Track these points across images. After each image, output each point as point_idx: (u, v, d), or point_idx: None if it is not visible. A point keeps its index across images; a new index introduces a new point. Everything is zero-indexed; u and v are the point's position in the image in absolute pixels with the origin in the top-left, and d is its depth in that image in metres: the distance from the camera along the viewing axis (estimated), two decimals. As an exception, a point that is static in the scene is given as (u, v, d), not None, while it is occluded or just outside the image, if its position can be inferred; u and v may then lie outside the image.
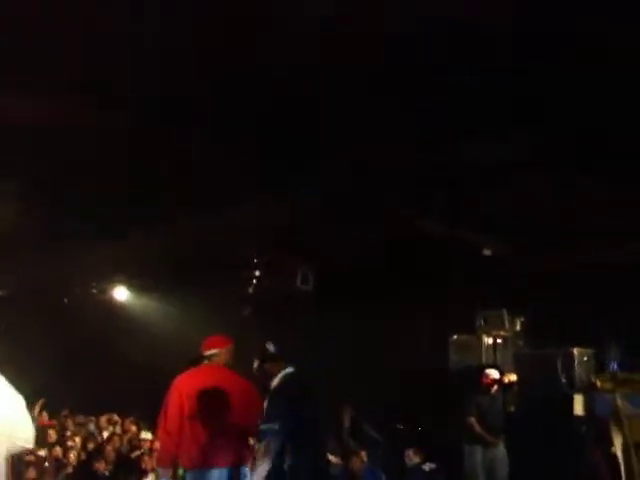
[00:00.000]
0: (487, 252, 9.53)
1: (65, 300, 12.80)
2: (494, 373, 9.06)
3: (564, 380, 8.20)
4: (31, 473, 9.27)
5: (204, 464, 5.30)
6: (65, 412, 12.98)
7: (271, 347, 5.52)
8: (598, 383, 4.24)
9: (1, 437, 4.38)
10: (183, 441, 5.37)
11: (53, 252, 11.13)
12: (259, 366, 5.56)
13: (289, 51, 5.33)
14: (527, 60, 5.35)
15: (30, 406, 12.09)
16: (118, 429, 12.01)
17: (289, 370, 5.52)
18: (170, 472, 5.52)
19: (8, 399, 4.77)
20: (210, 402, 5.38)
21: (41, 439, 11.14)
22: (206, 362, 5.67)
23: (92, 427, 12.45)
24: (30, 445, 4.66)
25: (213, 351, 5.63)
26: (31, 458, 9.61)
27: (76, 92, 6.49)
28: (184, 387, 5.49)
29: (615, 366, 4.16)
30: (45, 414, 12.43)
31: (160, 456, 5.86)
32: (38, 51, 5.34)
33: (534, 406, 8.97)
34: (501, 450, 8.79)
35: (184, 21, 5.08)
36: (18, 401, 4.85)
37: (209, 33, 5.23)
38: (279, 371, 5.49)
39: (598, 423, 4.08)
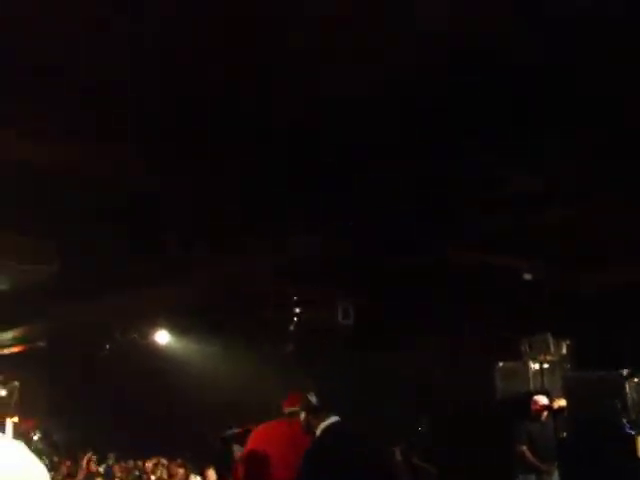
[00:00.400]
0: (527, 276, 9.42)
1: (107, 346, 12.87)
2: (543, 399, 8.93)
3: (618, 405, 8.04)
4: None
5: None
6: (112, 458, 13.03)
7: (313, 398, 5.12)
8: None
9: None
10: None
11: (92, 300, 11.23)
12: (305, 419, 5.10)
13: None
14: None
15: (79, 457, 12.16)
16: (165, 473, 11.99)
17: (332, 420, 4.97)
18: None
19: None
20: (287, 464, 5.14)
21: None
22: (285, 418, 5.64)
23: (138, 472, 12.47)
24: None
25: (294, 409, 5.44)
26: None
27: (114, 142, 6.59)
28: (261, 443, 5.46)
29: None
30: (92, 464, 12.51)
31: None
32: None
33: (586, 431, 8.79)
34: (555, 478, 8.63)
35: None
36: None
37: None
38: (319, 424, 4.96)
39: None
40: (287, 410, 5.57)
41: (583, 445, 8.68)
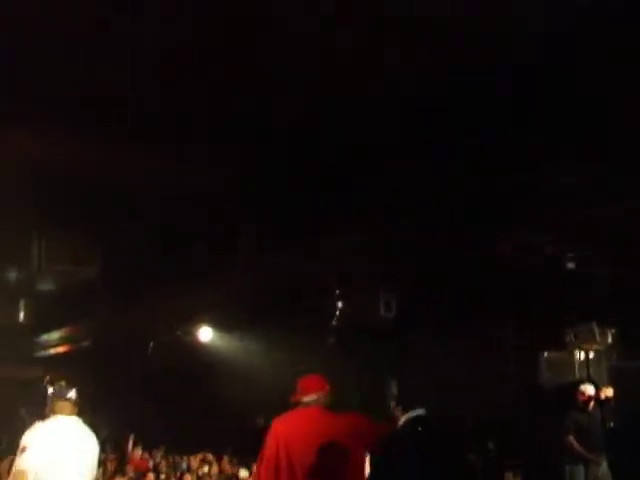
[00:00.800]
0: (571, 265, 9.34)
1: (151, 344, 13.02)
2: (590, 389, 8.86)
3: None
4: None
5: None
6: (160, 452, 13.18)
7: (394, 390, 4.98)
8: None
9: None
10: None
11: (137, 299, 11.39)
12: (392, 410, 4.74)
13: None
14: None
15: (123, 440, 12.34)
16: (212, 468, 12.10)
17: (417, 412, 4.63)
18: None
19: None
20: (310, 455, 4.82)
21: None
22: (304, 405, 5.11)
23: (184, 466, 12.59)
24: None
25: (315, 396, 5.07)
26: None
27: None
28: (281, 434, 4.99)
29: None
30: (138, 450, 12.67)
31: None
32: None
33: (633, 420, 8.72)
34: (604, 468, 8.56)
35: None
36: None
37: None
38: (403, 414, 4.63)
39: None
40: (305, 399, 5.09)
41: (631, 435, 8.61)
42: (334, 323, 10.01)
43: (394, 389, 4.99)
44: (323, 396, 5.11)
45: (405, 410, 4.60)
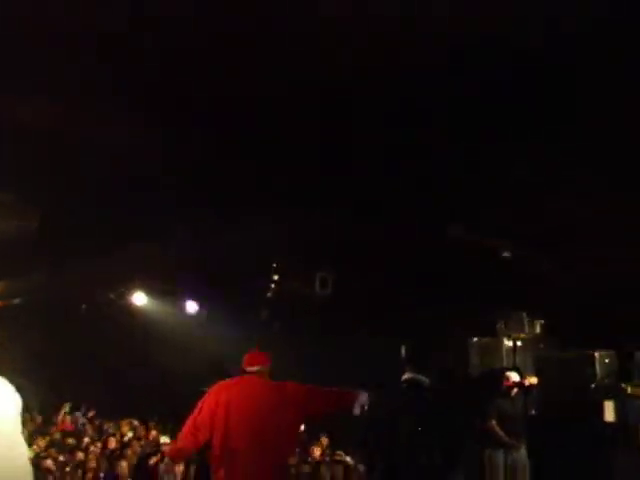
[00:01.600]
0: (506, 254, 9.51)
1: (83, 306, 12.85)
2: (515, 376, 9.04)
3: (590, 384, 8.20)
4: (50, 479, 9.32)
5: None
6: (89, 414, 13.08)
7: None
8: (629, 389, 4.22)
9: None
10: (217, 459, 5.29)
11: (73, 260, 11.18)
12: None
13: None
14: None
15: (56, 409, 12.14)
16: (137, 434, 12.06)
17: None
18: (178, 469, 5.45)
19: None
20: (251, 420, 5.29)
21: (61, 444, 11.24)
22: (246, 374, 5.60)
23: (110, 431, 12.52)
24: None
25: (256, 368, 5.56)
26: (50, 464, 9.67)
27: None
28: (222, 395, 5.41)
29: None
30: (68, 418, 12.54)
31: (175, 452, 5.78)
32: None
33: (555, 409, 8.94)
34: (522, 454, 8.75)
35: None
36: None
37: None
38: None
39: (628, 429, 4.06)
40: (251, 369, 5.56)
41: (551, 423, 8.84)
42: (269, 295, 10.05)
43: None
44: (265, 369, 5.58)
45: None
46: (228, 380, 5.63)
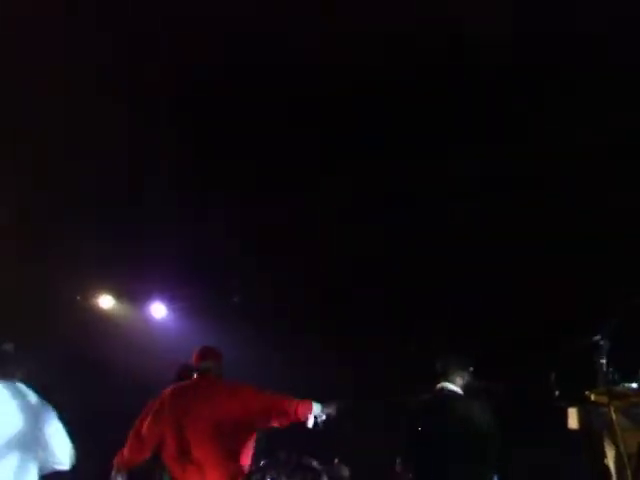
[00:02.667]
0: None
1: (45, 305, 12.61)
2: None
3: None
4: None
5: None
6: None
7: (439, 366, 5.72)
8: (592, 397, 4.25)
9: (31, 455, 3.90)
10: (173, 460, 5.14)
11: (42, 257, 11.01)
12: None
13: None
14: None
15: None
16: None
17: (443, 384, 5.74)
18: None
19: (37, 413, 4.23)
20: (205, 427, 5.10)
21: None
22: (198, 375, 5.40)
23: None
24: (66, 467, 4.20)
25: (207, 363, 5.37)
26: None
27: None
28: (169, 396, 5.24)
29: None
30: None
31: (121, 460, 5.43)
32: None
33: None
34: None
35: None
36: (50, 415, 4.35)
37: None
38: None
39: (592, 436, 4.08)
40: (201, 364, 5.37)
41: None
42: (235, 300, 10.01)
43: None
44: (216, 364, 5.42)
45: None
46: (178, 383, 5.43)
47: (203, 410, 5.14)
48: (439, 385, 5.77)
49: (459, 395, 5.78)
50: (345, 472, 10.10)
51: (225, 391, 5.30)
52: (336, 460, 10.26)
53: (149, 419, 5.22)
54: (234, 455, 5.15)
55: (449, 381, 5.77)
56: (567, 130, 6.58)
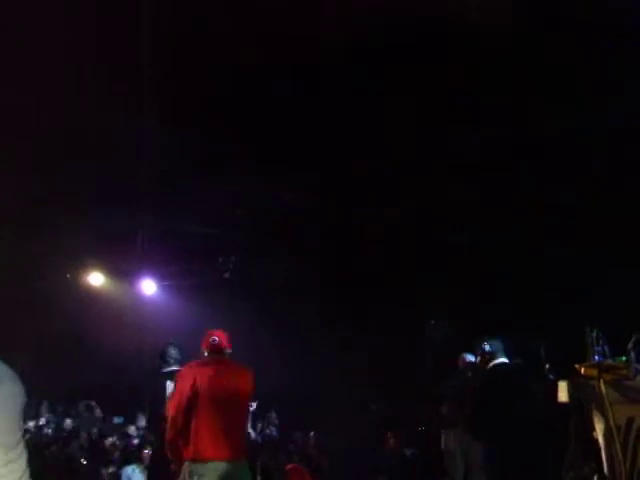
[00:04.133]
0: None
1: (37, 284, 12.61)
2: (470, 357, 9.12)
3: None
4: None
5: (206, 456, 5.31)
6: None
7: (487, 347, 6.15)
8: (582, 370, 4.28)
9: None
10: (188, 433, 5.38)
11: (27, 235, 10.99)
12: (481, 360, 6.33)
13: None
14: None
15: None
16: (94, 414, 12.01)
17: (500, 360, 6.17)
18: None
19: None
20: (221, 397, 5.48)
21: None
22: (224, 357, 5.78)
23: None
24: None
25: (227, 351, 5.78)
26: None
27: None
28: (195, 375, 5.51)
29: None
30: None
31: (170, 450, 5.58)
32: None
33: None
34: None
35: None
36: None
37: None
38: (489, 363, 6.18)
39: (581, 409, 4.12)
40: (228, 350, 5.75)
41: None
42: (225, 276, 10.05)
43: None
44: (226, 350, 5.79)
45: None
46: (196, 362, 5.71)
47: (232, 387, 5.57)
48: (498, 360, 6.23)
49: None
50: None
51: (244, 372, 5.75)
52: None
53: (179, 404, 5.45)
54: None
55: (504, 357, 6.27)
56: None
